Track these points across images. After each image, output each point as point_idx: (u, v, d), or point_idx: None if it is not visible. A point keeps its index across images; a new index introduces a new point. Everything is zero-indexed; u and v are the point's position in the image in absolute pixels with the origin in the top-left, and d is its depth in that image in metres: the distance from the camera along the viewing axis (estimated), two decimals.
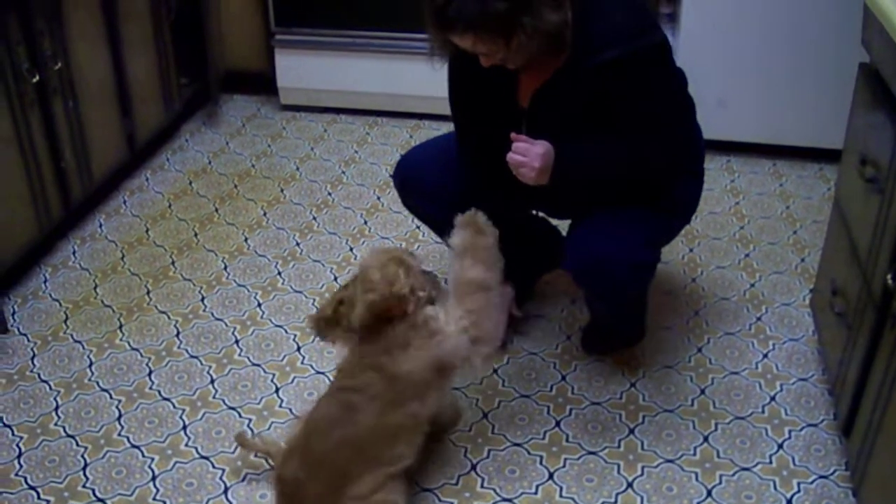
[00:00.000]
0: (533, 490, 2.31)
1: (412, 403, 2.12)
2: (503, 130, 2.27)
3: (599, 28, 2.18)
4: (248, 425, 2.49)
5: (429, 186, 2.59)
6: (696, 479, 2.34)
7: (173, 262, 3.18)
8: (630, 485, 2.32)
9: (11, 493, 2.29)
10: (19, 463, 2.38)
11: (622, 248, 2.29)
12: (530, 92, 2.32)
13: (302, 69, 4.13)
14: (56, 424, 2.50)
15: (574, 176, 2.30)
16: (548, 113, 2.32)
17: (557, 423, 2.51)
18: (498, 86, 2.35)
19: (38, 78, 2.89)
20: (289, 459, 2.14)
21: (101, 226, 3.39)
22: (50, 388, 2.63)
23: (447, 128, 2.66)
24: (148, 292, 3.03)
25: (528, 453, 2.41)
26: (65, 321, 2.89)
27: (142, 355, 2.75)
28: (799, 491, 2.30)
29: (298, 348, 2.78)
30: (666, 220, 2.48)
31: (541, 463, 2.38)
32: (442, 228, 2.73)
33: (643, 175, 2.36)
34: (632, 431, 2.48)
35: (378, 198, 3.57)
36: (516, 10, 2.05)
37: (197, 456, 2.41)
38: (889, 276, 1.93)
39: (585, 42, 2.18)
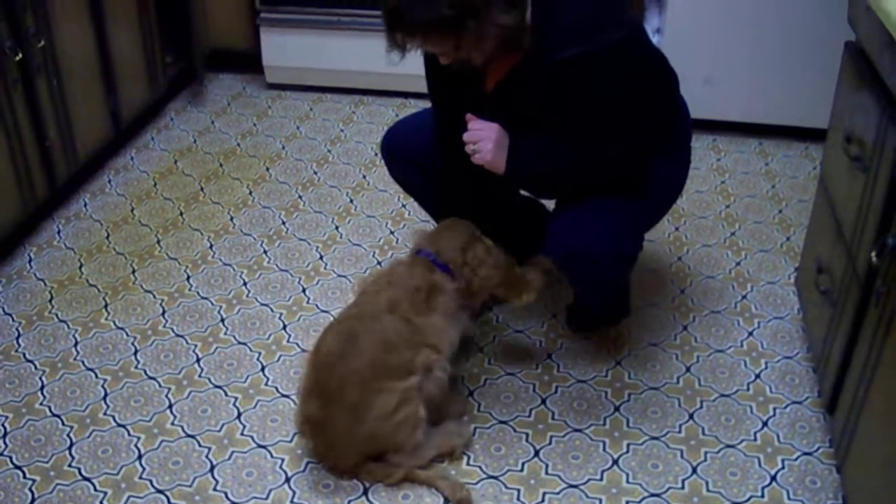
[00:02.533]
0: (519, 467, 2.31)
1: (408, 352, 2.24)
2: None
3: (558, 24, 2.16)
4: (233, 404, 2.49)
5: (414, 157, 2.62)
6: (682, 456, 2.35)
7: (159, 242, 3.17)
8: (615, 462, 2.33)
9: None
10: (5, 442, 2.38)
11: (604, 240, 2.28)
12: (493, 84, 2.33)
13: (287, 47, 4.11)
14: (41, 404, 2.50)
15: (530, 166, 2.32)
16: (509, 106, 2.32)
17: (543, 401, 2.52)
18: (465, 76, 2.34)
19: (20, 56, 2.87)
20: (307, 400, 2.23)
21: (85, 205, 3.37)
22: (35, 367, 2.62)
23: None
24: (133, 271, 3.02)
25: (514, 431, 2.42)
26: (50, 301, 2.88)
27: (127, 334, 2.75)
28: (783, 468, 2.31)
29: (284, 326, 2.78)
30: (650, 206, 2.47)
31: (527, 440, 2.39)
32: (426, 198, 2.76)
33: (604, 172, 2.32)
34: (617, 409, 2.49)
35: (364, 176, 3.56)
36: (463, 14, 2.05)
37: (183, 434, 2.41)
38: (873, 254, 1.93)
39: (544, 38, 2.17)
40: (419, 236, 2.51)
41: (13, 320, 2.79)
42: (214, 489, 2.25)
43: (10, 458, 2.33)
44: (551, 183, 2.46)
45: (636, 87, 2.24)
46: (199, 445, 2.38)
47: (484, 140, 2.27)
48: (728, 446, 2.37)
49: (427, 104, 2.62)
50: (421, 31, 2.10)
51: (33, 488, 2.25)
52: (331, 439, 2.24)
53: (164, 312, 2.84)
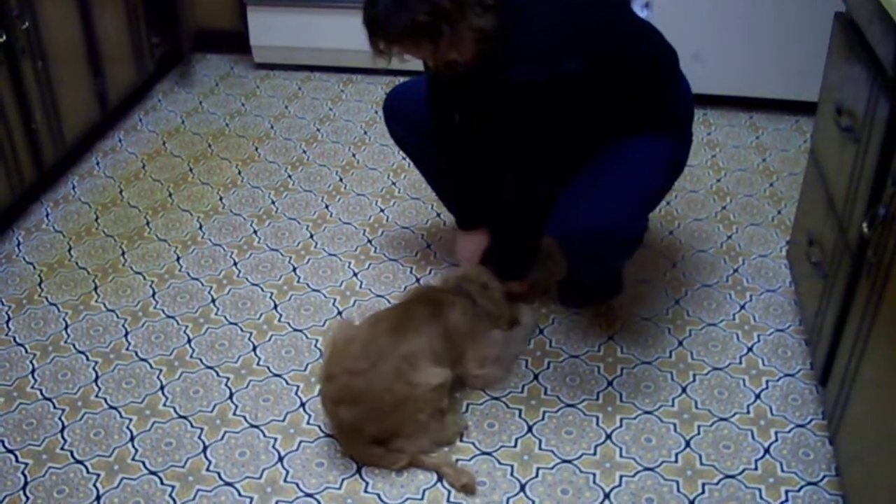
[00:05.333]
0: (512, 443, 2.31)
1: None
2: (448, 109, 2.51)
3: (517, 43, 2.20)
4: (225, 384, 2.49)
5: (412, 118, 2.68)
6: (675, 429, 2.35)
7: (148, 223, 3.16)
8: (609, 436, 2.33)
9: None
10: None
11: (612, 221, 2.28)
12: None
13: (275, 27, 4.09)
14: (33, 387, 2.49)
15: (506, 256, 2.62)
16: (472, 104, 2.45)
17: (536, 377, 2.51)
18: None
19: (4, 38, 2.84)
20: (354, 359, 2.25)
21: (74, 188, 3.36)
22: (26, 351, 2.61)
23: None
24: (123, 253, 3.01)
25: (507, 407, 2.42)
26: (39, 284, 2.87)
27: (118, 316, 2.74)
28: (776, 440, 2.31)
29: (275, 306, 2.77)
30: (654, 185, 2.46)
31: (520, 416, 2.39)
32: (421, 159, 2.79)
33: (541, 206, 2.39)
34: (610, 384, 2.49)
35: (353, 154, 3.55)
36: (438, 19, 2.12)
37: (175, 415, 2.40)
38: (864, 225, 1.93)
39: (500, 54, 2.22)
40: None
41: (3, 304, 2.78)
42: (207, 469, 2.25)
43: (3, 441, 2.33)
44: (527, 231, 2.57)
45: (564, 123, 2.30)
46: (192, 426, 2.37)
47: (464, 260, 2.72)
48: (721, 419, 2.38)
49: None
50: (399, 37, 2.18)
51: (26, 472, 2.25)
52: (363, 397, 2.20)
53: (154, 294, 2.82)
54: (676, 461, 2.26)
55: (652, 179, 2.42)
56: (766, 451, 2.29)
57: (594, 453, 2.29)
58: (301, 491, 2.19)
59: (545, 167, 2.37)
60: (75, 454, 2.30)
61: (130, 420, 2.39)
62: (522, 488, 2.20)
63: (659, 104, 2.45)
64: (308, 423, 2.37)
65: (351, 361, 2.23)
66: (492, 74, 2.25)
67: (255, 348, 2.62)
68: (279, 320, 2.72)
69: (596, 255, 2.36)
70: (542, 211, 2.37)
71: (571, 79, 2.20)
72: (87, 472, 2.25)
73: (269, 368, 2.55)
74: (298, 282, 2.87)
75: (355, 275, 2.90)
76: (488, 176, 2.60)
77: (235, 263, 2.96)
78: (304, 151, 3.58)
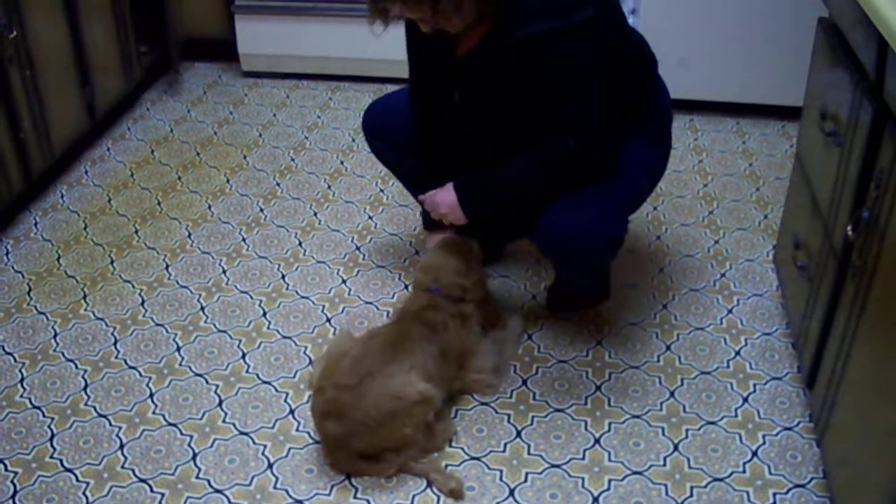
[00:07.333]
0: (501, 448, 2.32)
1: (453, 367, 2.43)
2: (446, 88, 2.42)
3: (523, 2, 2.18)
4: (214, 392, 2.49)
5: (392, 134, 2.67)
6: (663, 433, 2.36)
7: (137, 232, 3.16)
8: (597, 441, 2.34)
9: None
10: None
11: (594, 223, 2.29)
12: (465, 51, 2.35)
13: (263, 35, 4.10)
14: (22, 396, 2.49)
15: (489, 202, 2.40)
16: (478, 74, 2.35)
17: (524, 382, 2.52)
18: (441, 41, 2.36)
19: None
20: (343, 374, 2.24)
21: (62, 197, 3.36)
22: (14, 360, 2.61)
23: None
24: (112, 262, 3.01)
25: (496, 412, 2.43)
26: (28, 293, 2.86)
27: (107, 325, 2.74)
28: (764, 443, 2.32)
29: (264, 314, 2.77)
30: (635, 187, 2.48)
31: (508, 421, 2.40)
32: (403, 174, 2.78)
33: (563, 171, 2.32)
34: (598, 388, 2.50)
35: (341, 162, 3.55)
36: None
37: (164, 423, 2.40)
38: (849, 228, 1.94)
39: (512, 11, 2.19)
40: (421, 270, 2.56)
41: None
42: (197, 477, 2.25)
43: None
44: (517, 201, 2.44)
45: (597, 71, 2.23)
46: (181, 434, 2.37)
47: (436, 207, 2.45)
48: (709, 423, 2.38)
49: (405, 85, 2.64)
50: None
51: (15, 481, 2.24)
52: (350, 412, 2.19)
53: (143, 302, 2.83)
54: (665, 465, 2.27)
55: (633, 183, 2.43)
56: (754, 454, 2.30)
57: (583, 458, 2.29)
58: (291, 497, 2.20)
59: (588, 118, 2.27)
60: (65, 463, 2.29)
61: (120, 428, 2.39)
62: (511, 493, 2.20)
63: (642, 106, 2.46)
64: (297, 429, 2.37)
65: (340, 376, 2.23)
66: (502, 38, 2.22)
67: (244, 356, 2.62)
68: (268, 328, 2.72)
69: (577, 255, 2.36)
70: (595, 160, 2.32)
71: (587, 24, 2.16)
72: (77, 480, 2.25)
73: (258, 376, 2.55)
74: (287, 289, 2.87)
75: (344, 282, 2.90)
76: (491, 153, 2.58)
77: (224, 271, 2.96)
78: (293, 159, 3.59)
